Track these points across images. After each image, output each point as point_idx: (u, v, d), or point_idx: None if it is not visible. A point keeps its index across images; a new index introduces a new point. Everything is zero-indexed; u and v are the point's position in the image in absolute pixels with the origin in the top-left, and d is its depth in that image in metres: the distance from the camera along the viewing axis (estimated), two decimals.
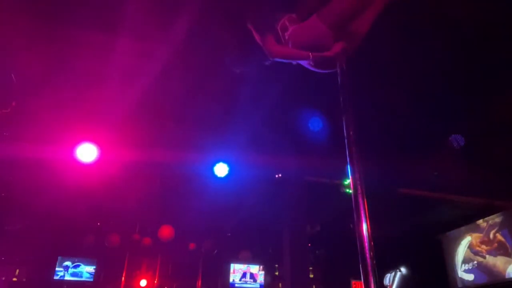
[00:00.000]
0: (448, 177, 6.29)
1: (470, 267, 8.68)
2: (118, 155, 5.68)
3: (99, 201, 7.67)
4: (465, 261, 8.84)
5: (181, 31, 3.85)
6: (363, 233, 1.31)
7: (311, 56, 2.15)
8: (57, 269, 10.10)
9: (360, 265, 1.26)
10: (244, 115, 5.13)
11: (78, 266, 10.33)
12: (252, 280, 11.37)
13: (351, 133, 1.63)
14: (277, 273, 11.76)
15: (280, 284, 11.65)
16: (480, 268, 8.38)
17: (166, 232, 9.16)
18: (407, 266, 10.47)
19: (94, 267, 10.45)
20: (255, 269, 11.52)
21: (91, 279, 10.34)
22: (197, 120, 5.54)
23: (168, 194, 7.55)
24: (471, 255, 8.67)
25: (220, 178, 6.03)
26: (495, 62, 4.25)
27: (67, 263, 10.25)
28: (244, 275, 11.34)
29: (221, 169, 5.98)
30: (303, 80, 4.42)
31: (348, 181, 6.13)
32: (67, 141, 5.33)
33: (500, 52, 4.12)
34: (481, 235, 8.45)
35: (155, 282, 10.66)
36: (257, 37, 2.48)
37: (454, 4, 3.54)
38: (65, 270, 10.17)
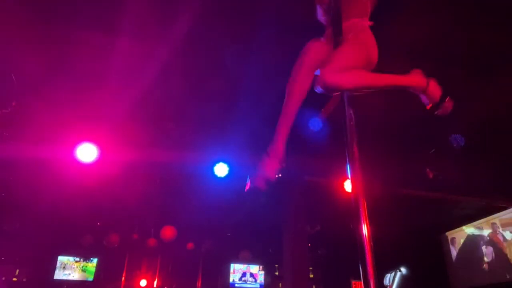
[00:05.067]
0: (448, 177, 6.28)
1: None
2: (118, 155, 5.68)
3: (99, 201, 7.67)
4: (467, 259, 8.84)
5: (181, 31, 3.85)
6: (363, 233, 1.31)
7: None
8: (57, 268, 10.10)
9: (360, 265, 1.26)
10: (244, 115, 5.13)
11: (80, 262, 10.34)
12: (252, 280, 11.37)
13: (351, 133, 1.62)
14: (277, 273, 11.76)
15: (280, 284, 11.64)
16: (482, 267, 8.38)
17: (168, 232, 9.16)
18: (407, 266, 10.48)
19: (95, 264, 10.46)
20: (255, 269, 11.53)
21: (91, 278, 10.34)
22: (197, 120, 5.54)
23: (168, 194, 7.55)
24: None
25: (220, 178, 6.03)
26: (495, 60, 4.26)
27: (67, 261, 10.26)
28: (244, 275, 11.34)
29: (221, 169, 5.98)
30: None
31: None
32: (67, 141, 5.33)
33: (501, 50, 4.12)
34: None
35: (155, 282, 10.66)
36: None
37: None
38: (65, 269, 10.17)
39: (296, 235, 7.10)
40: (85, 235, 9.79)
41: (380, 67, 2.15)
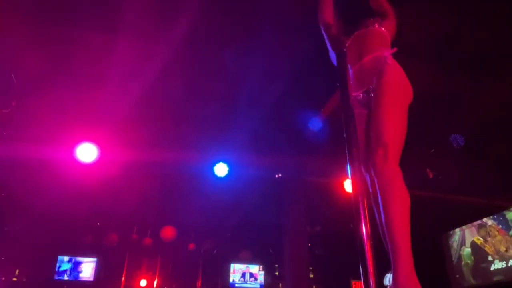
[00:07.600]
0: (448, 177, 6.28)
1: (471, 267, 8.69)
2: (118, 155, 5.69)
3: (99, 201, 7.67)
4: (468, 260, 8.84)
5: (181, 31, 3.85)
6: (363, 233, 1.31)
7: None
8: (57, 268, 10.11)
9: (360, 265, 1.26)
10: (244, 115, 5.13)
11: (79, 264, 10.34)
12: (252, 280, 11.36)
13: (351, 132, 1.62)
14: (277, 273, 11.76)
15: (280, 284, 11.64)
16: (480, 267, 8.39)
17: (168, 233, 9.16)
18: None
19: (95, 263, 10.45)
20: (255, 269, 11.52)
21: (91, 279, 10.34)
22: (197, 120, 5.54)
23: (168, 194, 7.55)
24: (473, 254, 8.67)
25: (220, 178, 6.04)
26: (496, 60, 4.26)
27: (67, 264, 10.26)
28: (244, 275, 11.34)
29: (221, 169, 5.98)
30: (303, 79, 4.42)
31: None
32: (67, 141, 5.33)
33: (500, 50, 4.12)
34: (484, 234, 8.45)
35: (155, 282, 10.66)
36: None
37: None
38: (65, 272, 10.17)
39: (296, 235, 7.10)
40: (85, 235, 9.78)
41: None
